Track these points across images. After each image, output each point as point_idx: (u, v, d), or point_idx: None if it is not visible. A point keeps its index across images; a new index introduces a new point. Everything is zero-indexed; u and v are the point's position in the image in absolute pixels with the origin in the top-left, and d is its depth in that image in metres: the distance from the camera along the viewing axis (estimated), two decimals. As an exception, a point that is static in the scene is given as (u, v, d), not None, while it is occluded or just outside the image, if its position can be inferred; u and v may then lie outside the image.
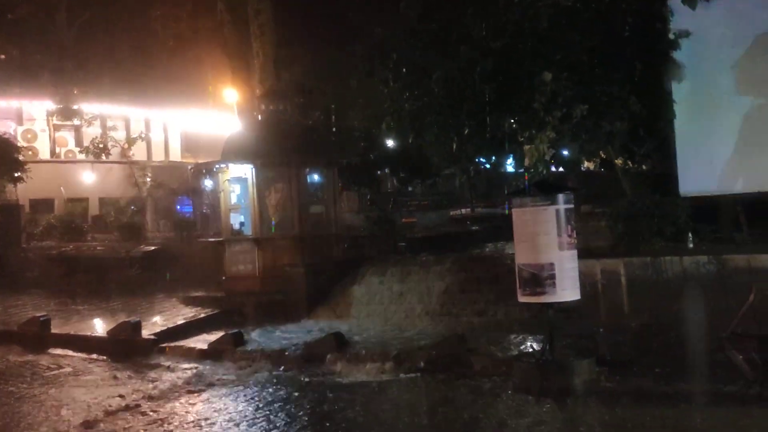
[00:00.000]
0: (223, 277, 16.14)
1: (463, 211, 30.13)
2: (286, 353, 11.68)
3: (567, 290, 8.93)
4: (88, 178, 29.37)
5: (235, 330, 13.02)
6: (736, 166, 11.50)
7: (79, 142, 30.14)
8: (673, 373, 8.78)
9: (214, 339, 12.87)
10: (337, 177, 17.30)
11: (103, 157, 28.81)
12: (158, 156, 32.24)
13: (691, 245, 10.99)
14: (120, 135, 30.06)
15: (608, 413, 7.71)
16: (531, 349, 10.16)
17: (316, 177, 16.94)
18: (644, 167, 15.80)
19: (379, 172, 23.36)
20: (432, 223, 26.16)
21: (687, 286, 9.78)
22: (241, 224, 16.41)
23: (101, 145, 28.59)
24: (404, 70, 13.21)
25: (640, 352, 9.43)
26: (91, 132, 29.70)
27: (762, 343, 7.71)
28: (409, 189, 29.57)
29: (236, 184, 16.38)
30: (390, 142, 20.41)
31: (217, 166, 16.36)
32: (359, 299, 14.50)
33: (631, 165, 14.92)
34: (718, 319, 8.70)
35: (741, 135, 11.43)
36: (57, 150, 30.40)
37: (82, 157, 29.25)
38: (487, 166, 15.38)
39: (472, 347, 10.63)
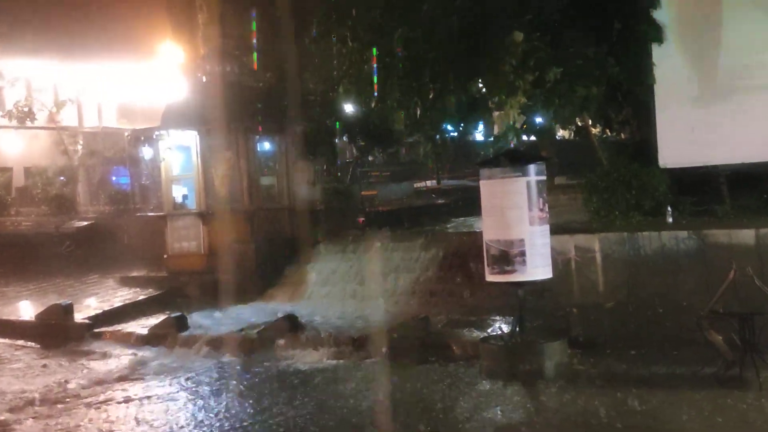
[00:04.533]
0: (165, 255, 16.05)
1: (428, 183, 30.26)
2: (234, 338, 11.68)
3: (538, 268, 9.06)
4: (11, 145, 28.75)
5: (178, 313, 13.00)
6: (719, 134, 11.70)
7: (0, 105, 29.44)
8: (649, 355, 9.02)
9: (155, 323, 12.84)
10: (291, 145, 17.22)
11: (29, 123, 28.17)
12: (91, 121, 31.67)
13: (670, 219, 11.21)
14: (47, 97, 29.41)
15: (580, 398, 7.88)
16: (500, 332, 10.32)
17: (267, 145, 16.87)
18: (622, 135, 16.02)
19: (336, 141, 23.25)
20: (394, 195, 26.25)
21: (665, 262, 9.99)
22: (184, 197, 16.31)
23: (26, 109, 27.93)
24: (363, 29, 13.17)
25: (615, 333, 9.64)
26: (15, 94, 29.00)
27: (742, 322, 7.93)
28: (370, 159, 29.47)
29: (178, 153, 16.24)
30: (348, 108, 20.30)
31: (157, 132, 16.17)
32: (315, 279, 14.57)
33: (608, 133, 15.10)
34: (697, 297, 8.94)
35: (724, 101, 11.62)
36: (-25, 114, 29.67)
37: (4, 122, 28.58)
38: (454, 134, 15.40)
39: (438, 330, 10.77)
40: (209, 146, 15.73)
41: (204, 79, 16.93)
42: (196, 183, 15.73)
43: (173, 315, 12.84)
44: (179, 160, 16.30)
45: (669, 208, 11.40)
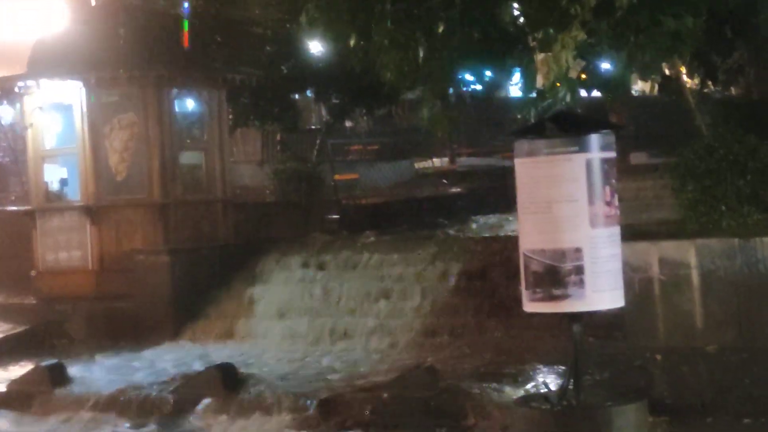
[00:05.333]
0: (33, 272, 16.01)
1: (437, 161, 30.36)
2: (137, 398, 11.67)
3: (603, 292, 9.03)
4: None
5: (53, 361, 13.02)
6: None
7: None
8: (771, 425, 9.04)
9: (18, 376, 12.88)
10: (227, 105, 17.19)
11: None
12: None
13: (804, 218, 11.25)
14: None
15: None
16: (544, 389, 10.33)
17: (191, 104, 16.84)
18: (732, 91, 16.06)
19: (297, 97, 23.29)
20: (385, 181, 26.32)
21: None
22: (63, 183, 16.27)
23: None
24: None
25: (719, 392, 9.66)
26: None
27: None
28: (348, 125, 29.54)
29: (55, 115, 16.20)
30: (315, 47, 20.33)
31: (20, 83, 16.13)
32: (263, 308, 14.59)
33: (710, 87, 15.13)
34: None
35: None
36: None
37: None
38: (476, 87, 15.40)
39: (450, 386, 10.77)
40: (102, 105, 15.69)
41: (93, 2, 16.87)
42: (82, 162, 15.67)
43: (45, 363, 12.83)
44: (56, 126, 16.26)
45: (803, 202, 11.44)
